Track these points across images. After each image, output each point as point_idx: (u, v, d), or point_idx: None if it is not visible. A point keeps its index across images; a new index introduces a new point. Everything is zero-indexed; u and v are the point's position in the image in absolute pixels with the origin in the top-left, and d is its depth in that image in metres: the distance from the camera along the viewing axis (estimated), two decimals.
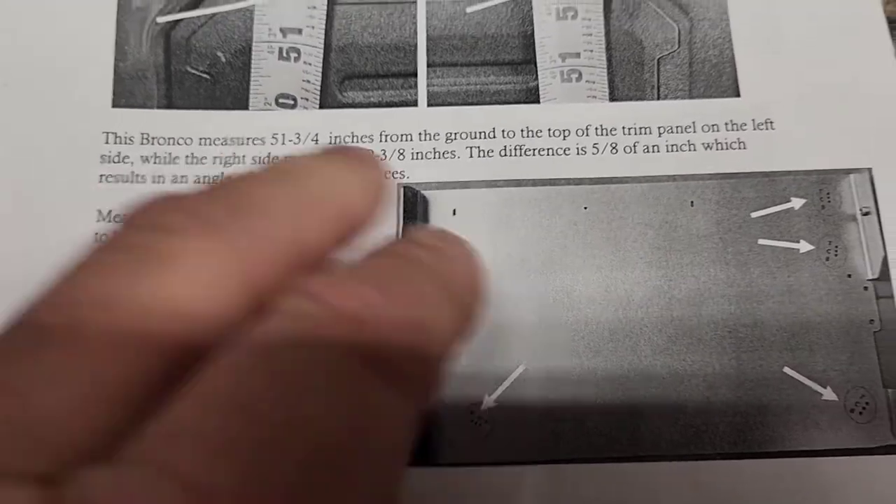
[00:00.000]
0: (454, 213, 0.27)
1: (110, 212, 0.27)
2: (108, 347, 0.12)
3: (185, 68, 0.29)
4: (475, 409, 0.26)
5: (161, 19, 0.29)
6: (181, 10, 0.29)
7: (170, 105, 0.28)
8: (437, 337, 0.13)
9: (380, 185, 0.18)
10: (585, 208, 0.27)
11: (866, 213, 0.27)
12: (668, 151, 0.28)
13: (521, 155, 0.28)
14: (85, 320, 0.12)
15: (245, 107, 0.29)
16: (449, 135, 0.28)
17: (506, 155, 0.28)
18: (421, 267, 0.14)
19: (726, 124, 0.28)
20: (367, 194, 0.17)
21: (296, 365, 0.11)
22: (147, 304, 0.12)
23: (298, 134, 0.28)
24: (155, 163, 0.28)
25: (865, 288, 0.27)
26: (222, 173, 0.28)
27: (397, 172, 0.28)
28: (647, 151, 0.28)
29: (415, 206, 0.27)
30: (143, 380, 0.12)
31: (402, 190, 0.28)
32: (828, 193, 0.28)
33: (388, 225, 0.27)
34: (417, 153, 0.28)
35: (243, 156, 0.28)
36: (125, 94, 0.28)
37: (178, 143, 0.28)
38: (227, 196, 0.14)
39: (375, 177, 0.18)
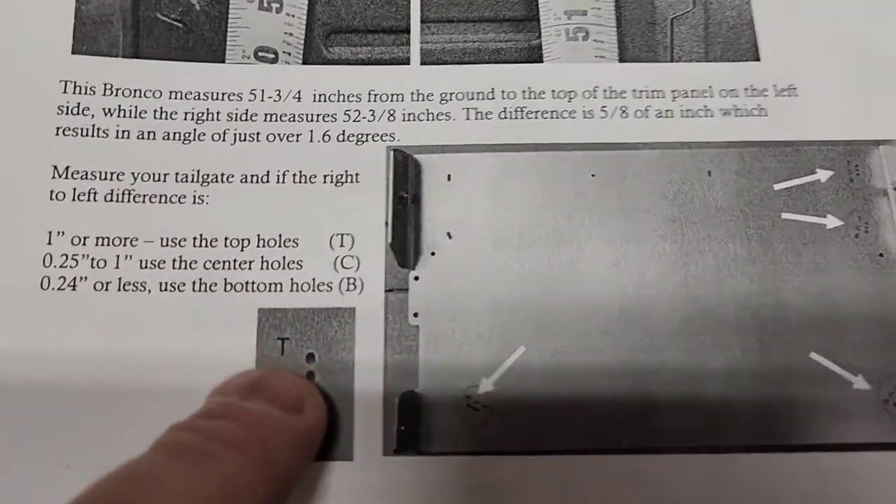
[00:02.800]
0: (448, 179, 0.25)
1: (67, 168, 0.24)
2: None
3: (155, 15, 0.26)
4: (471, 394, 0.23)
5: None
6: None
7: (137, 54, 0.26)
8: None
9: None
10: (593, 175, 0.25)
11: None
12: (682, 117, 0.26)
13: (522, 118, 0.26)
14: None
15: (221, 60, 0.26)
16: (444, 95, 0.26)
17: (506, 117, 0.26)
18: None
19: (746, 90, 0.26)
20: None
21: None
22: None
23: (279, 91, 0.26)
24: (119, 116, 0.25)
25: None
26: (194, 130, 0.25)
27: (387, 135, 0.25)
28: (660, 116, 0.26)
29: (406, 170, 0.25)
30: None
31: (392, 154, 0.25)
32: (856, 166, 0.25)
33: (377, 190, 0.25)
34: (409, 114, 0.26)
35: (218, 112, 0.25)
36: (87, 39, 0.26)
37: (146, 96, 0.25)
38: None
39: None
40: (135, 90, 0.25)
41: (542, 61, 0.27)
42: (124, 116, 0.25)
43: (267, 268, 0.24)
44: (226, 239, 0.24)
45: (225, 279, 0.24)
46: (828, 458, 0.23)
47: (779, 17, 0.27)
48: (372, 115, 0.26)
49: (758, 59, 0.27)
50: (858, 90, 0.26)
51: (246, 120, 0.25)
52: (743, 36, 0.27)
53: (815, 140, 0.26)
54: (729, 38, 0.27)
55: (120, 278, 0.24)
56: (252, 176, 0.25)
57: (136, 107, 0.25)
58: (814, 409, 0.23)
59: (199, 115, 0.25)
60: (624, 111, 0.26)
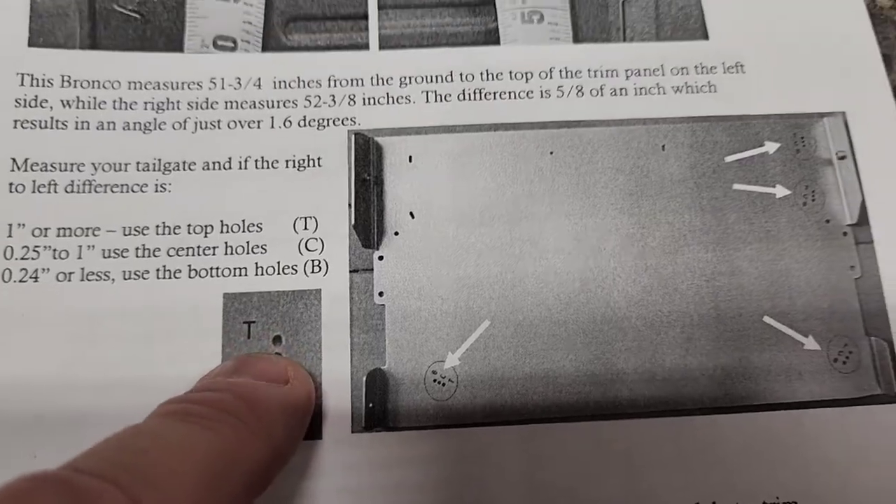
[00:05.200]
0: (410, 161, 0.25)
1: (26, 160, 0.24)
2: None
3: (112, 6, 0.26)
4: (437, 369, 0.23)
5: None
6: None
7: (94, 46, 0.26)
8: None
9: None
10: (551, 153, 0.26)
11: (842, 157, 0.26)
12: (636, 94, 0.26)
13: (481, 99, 0.26)
14: None
15: (180, 49, 0.26)
16: (403, 79, 0.26)
17: (465, 99, 0.26)
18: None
19: (696, 67, 0.27)
20: None
21: None
22: None
23: (239, 78, 0.26)
24: (78, 107, 0.25)
25: (844, 233, 0.25)
26: (154, 119, 0.25)
27: (348, 119, 0.26)
28: (615, 94, 0.26)
29: (367, 153, 0.25)
30: None
31: (353, 137, 0.25)
32: (802, 137, 0.26)
33: (340, 174, 0.25)
34: (369, 98, 0.26)
35: (178, 101, 0.25)
36: (43, 32, 0.26)
37: (105, 87, 0.25)
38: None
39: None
40: (93, 81, 0.25)
41: (498, 44, 0.27)
42: (83, 108, 0.25)
43: (231, 253, 0.24)
44: (189, 226, 0.24)
45: (189, 266, 0.24)
46: (782, 416, 0.23)
47: None
48: (333, 100, 0.26)
49: (706, 38, 0.28)
50: (802, 66, 0.27)
51: (206, 108, 0.25)
52: (691, 16, 0.28)
53: (762, 114, 0.26)
54: (678, 19, 0.28)
55: (83, 268, 0.24)
56: (214, 163, 0.25)
57: (94, 98, 0.25)
58: (767, 371, 0.24)
59: (159, 104, 0.25)
60: (580, 90, 0.26)
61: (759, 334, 0.24)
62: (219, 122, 0.25)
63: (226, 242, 0.24)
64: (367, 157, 0.25)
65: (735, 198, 0.25)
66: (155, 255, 0.24)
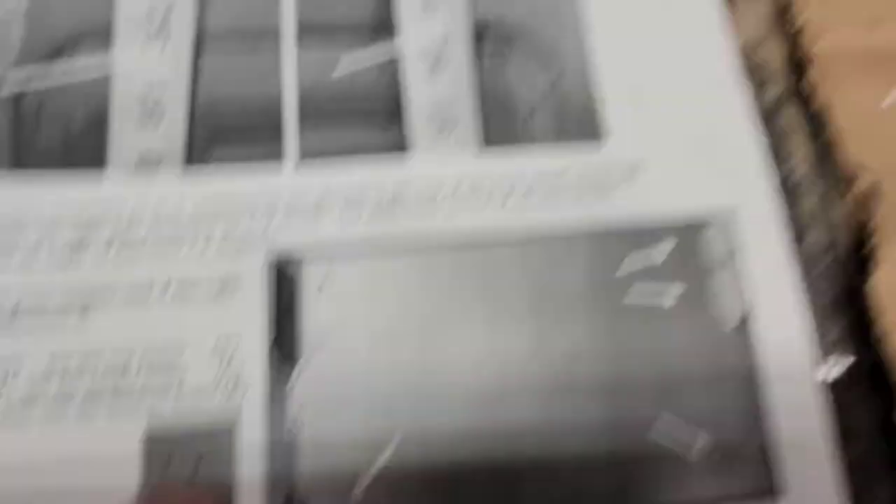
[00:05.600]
0: (323, 282, 0.27)
1: None
2: None
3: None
4: (348, 493, 0.25)
5: None
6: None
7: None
8: None
9: None
10: (459, 272, 0.27)
11: (728, 261, 0.28)
12: (541, 199, 0.28)
13: (393, 212, 0.27)
14: None
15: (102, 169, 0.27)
16: (319, 196, 0.27)
17: (378, 213, 0.27)
18: None
19: (595, 172, 0.29)
20: None
21: None
22: None
23: (161, 200, 0.27)
24: None
25: (731, 335, 0.27)
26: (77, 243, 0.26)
27: (267, 238, 0.27)
28: (524, 199, 0.28)
29: (283, 276, 0.26)
30: None
31: (269, 260, 0.26)
32: (691, 243, 0.28)
33: (256, 298, 0.26)
34: (287, 216, 0.27)
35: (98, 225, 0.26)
36: None
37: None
38: None
39: None
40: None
41: (409, 156, 0.28)
42: None
43: (151, 376, 0.25)
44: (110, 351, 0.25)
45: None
46: None
47: (623, 107, 0.30)
48: (250, 218, 0.27)
49: (605, 145, 0.29)
50: (693, 172, 0.29)
51: (127, 231, 0.26)
52: (592, 120, 0.29)
53: (654, 219, 0.28)
54: (580, 124, 0.29)
55: None
56: (136, 287, 0.26)
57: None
58: (662, 471, 0.26)
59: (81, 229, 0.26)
60: (490, 197, 0.28)
61: (654, 436, 0.26)
62: (141, 244, 0.26)
63: (144, 367, 0.25)
64: (283, 281, 0.26)
65: (632, 300, 0.27)
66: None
